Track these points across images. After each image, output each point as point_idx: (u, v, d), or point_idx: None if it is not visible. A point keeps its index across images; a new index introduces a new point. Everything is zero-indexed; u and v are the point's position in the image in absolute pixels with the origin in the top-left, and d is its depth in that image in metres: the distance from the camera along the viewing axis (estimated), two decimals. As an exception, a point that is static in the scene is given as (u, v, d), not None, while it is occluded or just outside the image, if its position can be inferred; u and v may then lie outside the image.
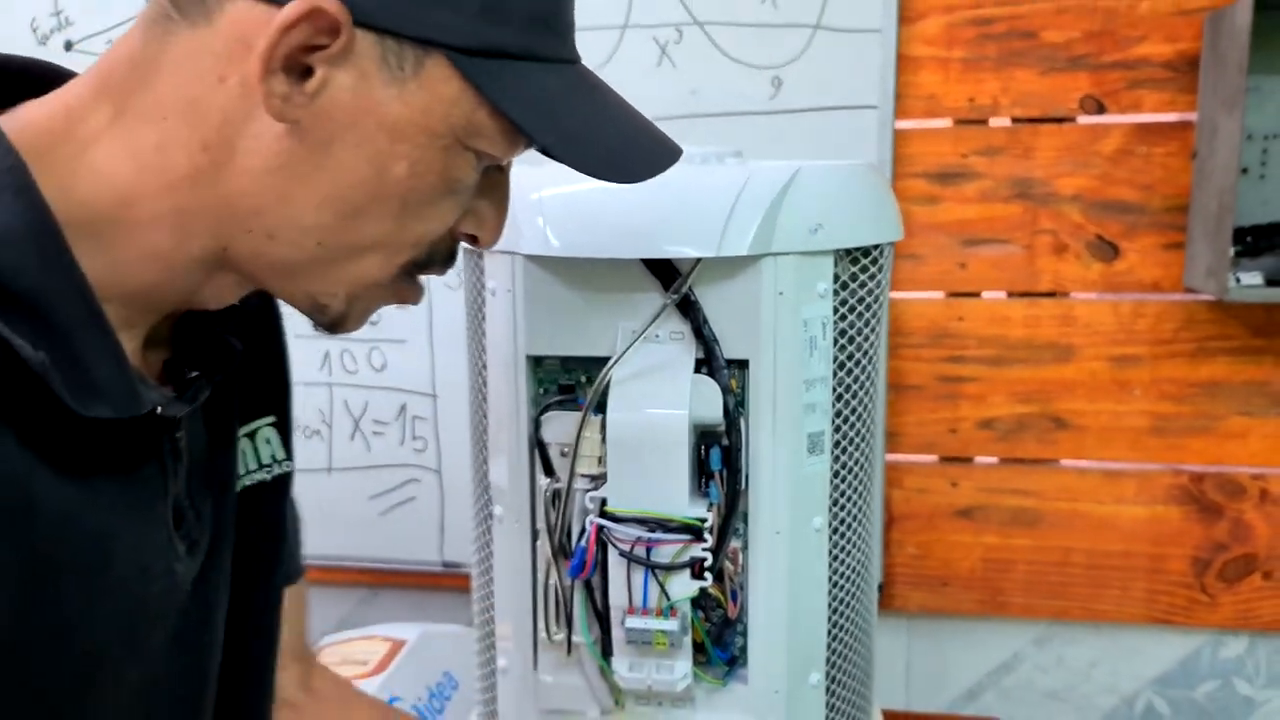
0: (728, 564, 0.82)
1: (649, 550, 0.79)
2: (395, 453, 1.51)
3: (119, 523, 0.52)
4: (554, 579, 0.84)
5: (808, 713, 0.85)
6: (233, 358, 0.59)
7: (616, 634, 0.81)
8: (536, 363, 0.84)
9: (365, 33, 0.48)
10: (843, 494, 0.85)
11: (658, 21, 1.36)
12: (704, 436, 0.80)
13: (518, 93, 0.51)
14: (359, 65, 0.49)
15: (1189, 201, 1.32)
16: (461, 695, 1.26)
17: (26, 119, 0.50)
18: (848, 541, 0.87)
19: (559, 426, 0.83)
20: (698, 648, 0.83)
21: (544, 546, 0.84)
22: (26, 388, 0.46)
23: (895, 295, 1.41)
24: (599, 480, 0.81)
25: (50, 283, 0.47)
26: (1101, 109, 1.34)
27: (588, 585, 0.83)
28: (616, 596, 0.81)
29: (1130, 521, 1.42)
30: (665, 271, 0.79)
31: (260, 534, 0.67)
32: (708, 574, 0.80)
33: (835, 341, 0.83)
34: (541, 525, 0.85)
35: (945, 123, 1.37)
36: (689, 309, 0.79)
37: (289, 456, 0.69)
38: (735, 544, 0.82)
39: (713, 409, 0.79)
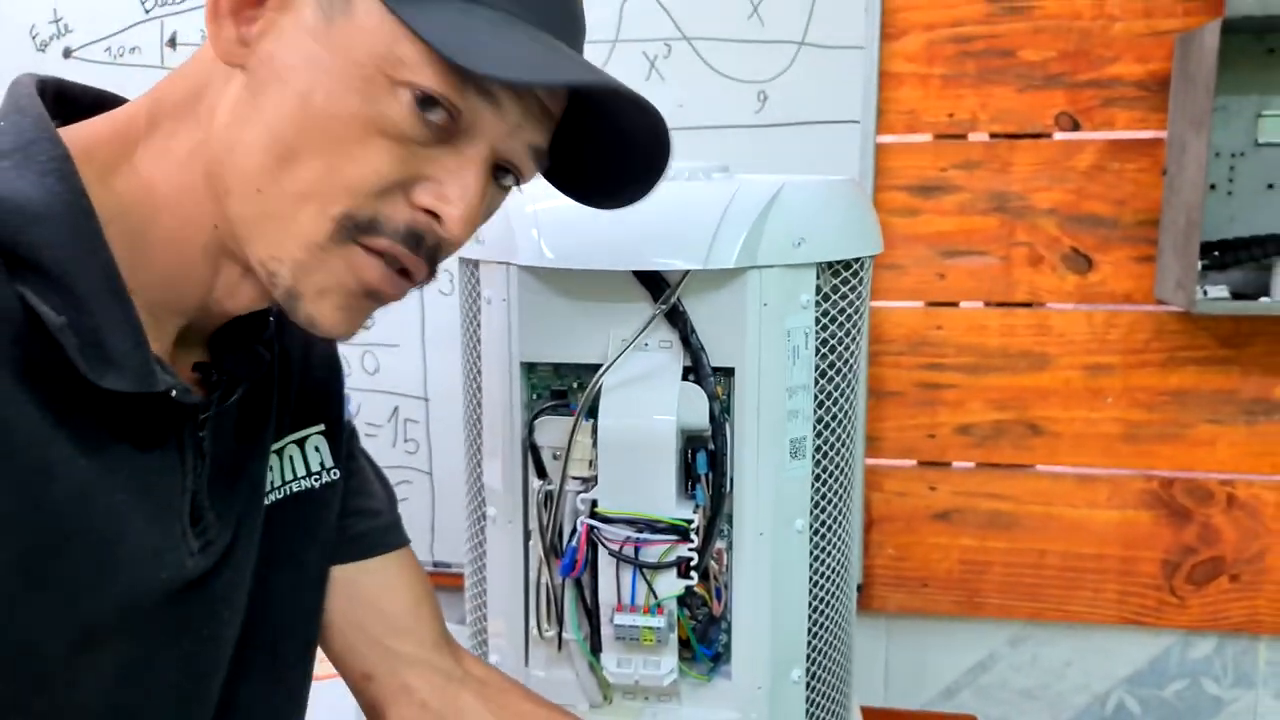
0: (713, 564, 0.85)
1: (637, 550, 0.82)
2: (387, 455, 1.53)
3: (132, 502, 0.53)
4: (545, 577, 0.86)
5: (789, 708, 0.88)
6: (259, 368, 0.61)
7: (606, 631, 0.84)
8: (530, 369, 0.87)
9: None
10: (824, 497, 0.88)
11: (647, 36, 1.40)
12: (691, 441, 0.83)
13: (437, 20, 0.50)
14: (297, 9, 0.52)
15: (1159, 216, 1.36)
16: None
17: (87, 128, 0.55)
18: (828, 543, 0.90)
19: (551, 431, 0.86)
20: (683, 644, 0.86)
21: (536, 546, 0.87)
22: (52, 358, 0.49)
23: (876, 304, 1.44)
24: (590, 482, 0.84)
25: (77, 257, 0.50)
26: (1076, 126, 1.38)
27: (578, 584, 0.85)
28: (606, 594, 0.83)
29: (1102, 525, 1.46)
30: (654, 283, 0.82)
31: (303, 539, 0.68)
32: (693, 573, 0.82)
33: (817, 350, 0.86)
34: (534, 526, 0.87)
35: (925, 137, 1.41)
36: (677, 319, 0.82)
37: (337, 464, 0.70)
38: (720, 544, 0.85)
39: (699, 415, 0.82)
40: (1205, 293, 1.27)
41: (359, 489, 0.74)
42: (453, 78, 0.51)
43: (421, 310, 1.49)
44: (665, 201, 0.83)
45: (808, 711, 0.89)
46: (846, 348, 0.88)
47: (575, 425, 0.83)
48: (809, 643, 0.89)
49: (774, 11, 1.37)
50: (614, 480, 0.82)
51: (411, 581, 0.75)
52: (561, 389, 0.87)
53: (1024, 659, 1.52)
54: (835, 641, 0.93)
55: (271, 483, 0.66)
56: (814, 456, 0.87)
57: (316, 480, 0.69)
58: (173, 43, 1.50)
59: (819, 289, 0.85)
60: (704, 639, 0.86)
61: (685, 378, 0.82)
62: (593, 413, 0.82)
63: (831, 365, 0.87)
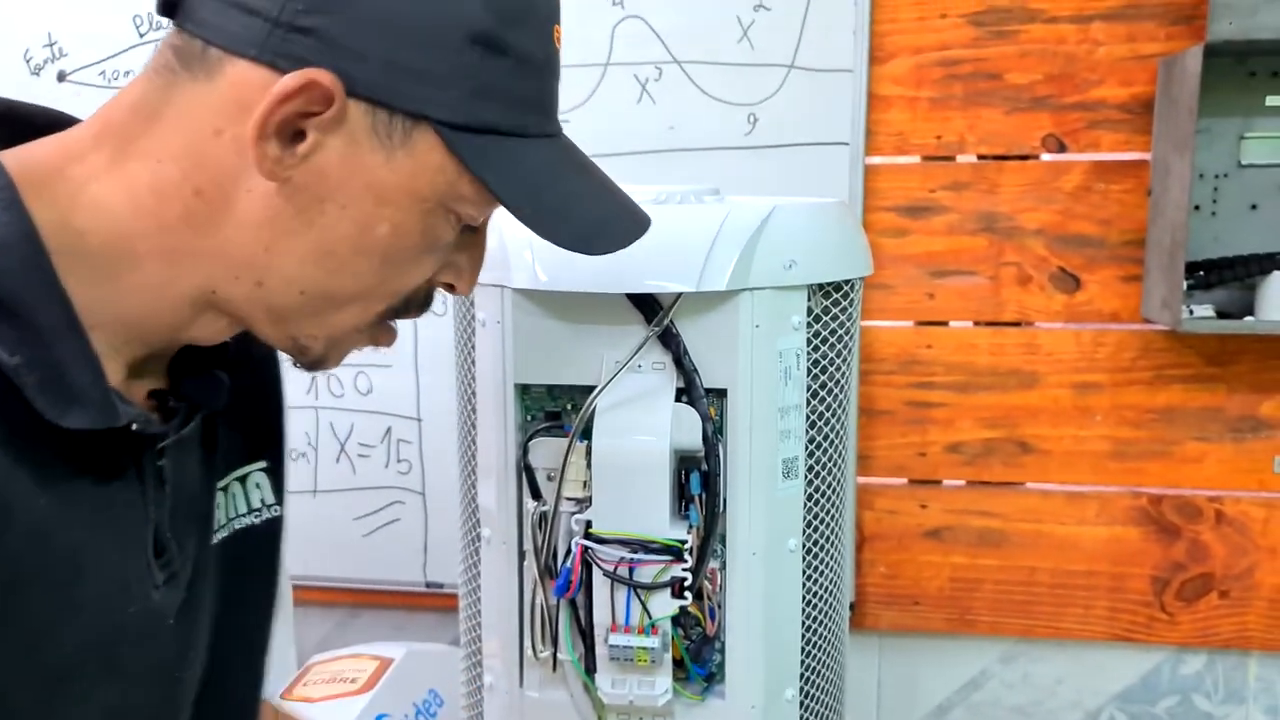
0: (706, 584, 0.85)
1: (631, 570, 0.82)
2: (380, 475, 1.53)
3: (94, 539, 0.52)
4: (540, 598, 0.87)
5: (782, 726, 0.88)
6: (221, 393, 0.60)
7: (600, 651, 0.85)
8: (524, 391, 0.88)
9: (358, 103, 0.51)
10: (816, 516, 0.89)
11: (639, 60, 1.41)
12: (684, 462, 0.84)
13: (500, 167, 0.54)
14: (350, 132, 0.51)
15: (1145, 236, 1.38)
16: (447, 712, 1.29)
17: (26, 154, 0.53)
18: (821, 562, 0.90)
19: (545, 452, 0.86)
20: (677, 664, 0.86)
21: (530, 567, 0.87)
22: (6, 395, 0.48)
23: (866, 324, 1.45)
24: (584, 503, 0.84)
25: (30, 291, 0.49)
26: (1062, 147, 1.40)
27: (572, 604, 0.86)
28: (600, 615, 0.84)
29: (1092, 542, 1.46)
30: (648, 305, 0.83)
31: (249, 578, 0.67)
32: (687, 593, 0.83)
33: (809, 371, 0.87)
34: (528, 546, 0.88)
35: (914, 159, 1.42)
36: (670, 341, 0.83)
37: (279, 502, 0.69)
38: (714, 564, 0.85)
39: (692, 436, 0.83)
40: (1191, 312, 1.28)
41: None
42: (496, 203, 0.56)
43: (415, 331, 1.50)
44: (658, 224, 0.84)
45: (801, 730, 0.89)
46: (838, 368, 0.89)
47: (569, 446, 0.83)
48: (802, 662, 0.89)
49: (764, 35, 1.38)
50: (608, 501, 0.83)
51: None
52: (555, 410, 0.87)
53: (1015, 676, 1.52)
54: (828, 660, 0.93)
55: (217, 520, 0.64)
56: (806, 476, 0.88)
57: (258, 517, 0.67)
58: (167, 66, 1.50)
59: (810, 310, 0.86)
60: (698, 659, 0.87)
61: (678, 399, 0.83)
62: (587, 434, 0.83)
63: (823, 385, 0.88)
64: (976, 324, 1.45)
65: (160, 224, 0.52)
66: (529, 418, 0.88)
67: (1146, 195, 1.38)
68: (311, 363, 0.59)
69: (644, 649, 0.82)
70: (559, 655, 0.87)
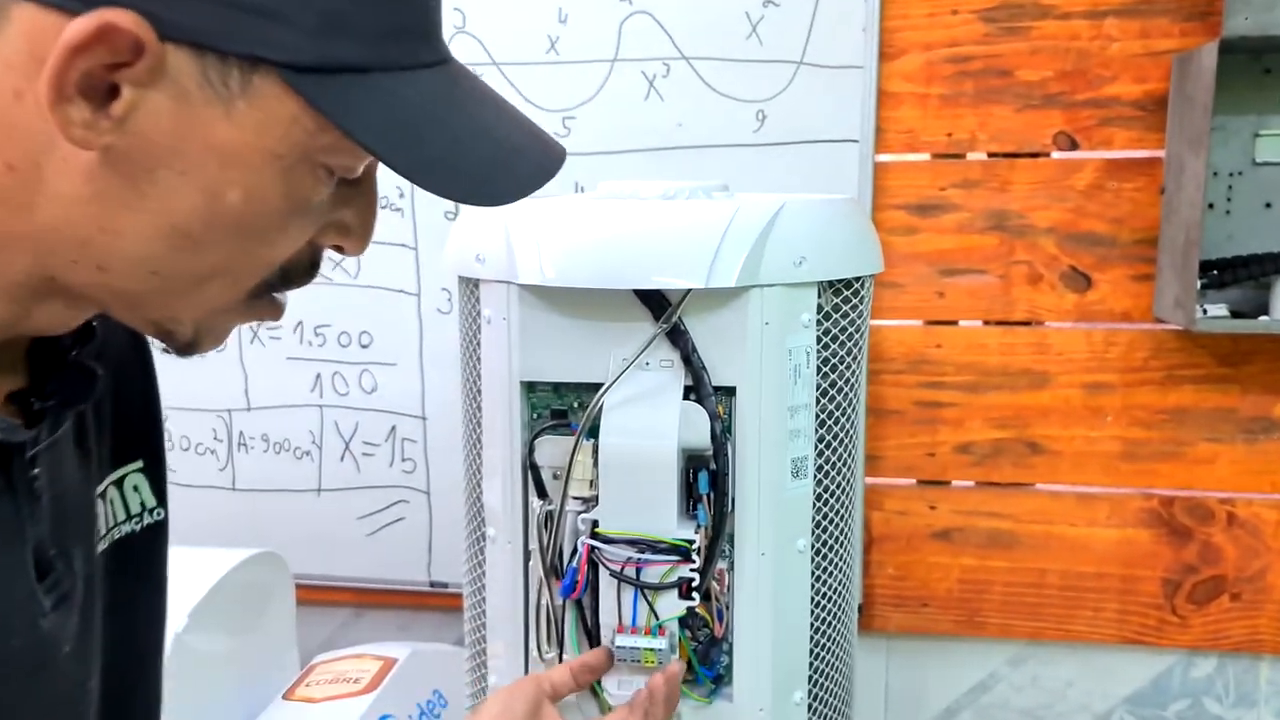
0: (714, 584, 0.84)
1: (638, 571, 0.81)
2: (384, 474, 1.53)
3: None
4: (545, 598, 0.86)
5: (791, 729, 0.87)
6: (93, 386, 0.53)
7: (606, 652, 0.84)
8: (530, 388, 0.87)
9: (178, 49, 0.42)
10: (825, 516, 0.88)
11: (646, 56, 1.40)
12: (692, 461, 0.83)
13: (365, 111, 0.45)
14: (175, 84, 0.43)
15: (1158, 235, 1.37)
16: (451, 713, 1.28)
17: None
18: (830, 563, 0.89)
19: (552, 450, 0.85)
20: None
21: (536, 567, 0.86)
22: None
23: (875, 323, 1.44)
24: (590, 503, 0.83)
25: None
26: (1074, 145, 1.38)
27: (578, 605, 0.85)
28: (607, 615, 0.83)
29: (1103, 544, 1.45)
30: (656, 302, 0.82)
31: (135, 592, 0.61)
32: (695, 594, 0.82)
33: (818, 369, 0.85)
34: (534, 546, 0.87)
35: (924, 157, 1.41)
36: (678, 338, 0.82)
37: (160, 504, 0.63)
38: (721, 565, 0.84)
39: (701, 434, 0.82)
40: (1205, 311, 1.27)
41: None
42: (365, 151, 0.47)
43: (420, 329, 1.49)
44: (666, 221, 0.83)
45: (810, 734, 0.88)
46: (848, 366, 0.88)
47: (576, 445, 0.83)
48: (811, 664, 0.88)
49: (773, 31, 1.37)
50: (615, 500, 0.82)
51: None
52: (562, 408, 0.87)
53: (1025, 679, 1.51)
54: (837, 663, 0.92)
55: (97, 530, 0.58)
56: (816, 476, 0.87)
57: (138, 523, 0.61)
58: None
59: (820, 308, 0.85)
60: (705, 661, 0.86)
61: (686, 397, 0.82)
62: (593, 432, 0.82)
63: (833, 384, 0.87)
64: (986, 323, 1.43)
65: None
66: (535, 415, 0.87)
67: (1159, 193, 1.36)
68: (182, 347, 0.51)
69: (651, 650, 0.81)
70: (564, 656, 0.86)
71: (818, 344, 0.85)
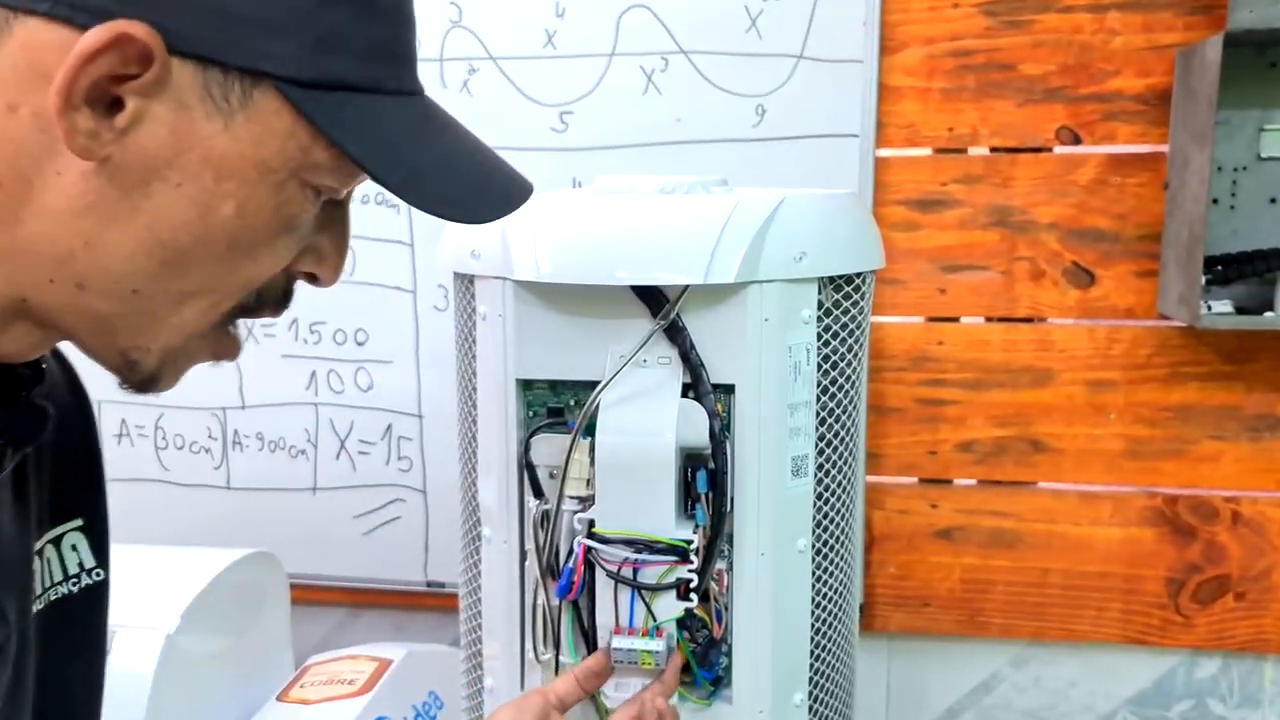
0: (713, 585, 0.83)
1: (636, 571, 0.80)
2: (380, 472, 1.51)
3: None
4: (542, 599, 0.85)
5: (791, 732, 0.86)
6: (44, 426, 0.52)
7: (603, 654, 0.83)
8: (526, 386, 0.86)
9: (184, 62, 0.43)
10: (826, 516, 0.87)
11: (645, 50, 1.39)
12: (690, 459, 0.82)
13: (358, 128, 0.46)
14: (177, 96, 0.44)
15: (1161, 230, 1.35)
16: (447, 715, 1.27)
17: None
18: (830, 563, 0.88)
19: (548, 449, 0.84)
20: (683, 668, 0.84)
21: (532, 567, 0.85)
22: None
23: (876, 319, 1.43)
24: (587, 502, 0.82)
25: None
26: (1077, 140, 1.37)
27: (575, 605, 0.84)
28: (603, 616, 0.82)
29: (1106, 543, 1.44)
30: (653, 298, 0.80)
31: (72, 656, 0.59)
32: (693, 595, 0.81)
33: (819, 367, 0.84)
34: (530, 546, 0.86)
35: (925, 151, 1.40)
36: (676, 335, 0.80)
37: (100, 565, 0.61)
38: (720, 565, 0.83)
39: (699, 433, 0.80)
40: (1209, 307, 1.26)
41: None
42: (360, 174, 0.49)
43: (416, 326, 1.48)
44: (664, 216, 0.82)
45: (810, 736, 0.87)
46: (848, 363, 0.87)
47: (572, 443, 0.81)
48: (811, 665, 0.87)
49: (772, 25, 1.36)
50: (612, 499, 0.81)
51: None
52: (558, 406, 0.85)
53: (1027, 680, 1.50)
54: (838, 664, 0.91)
55: (33, 588, 0.56)
56: (816, 474, 0.85)
57: (75, 584, 0.59)
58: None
59: (820, 304, 0.84)
60: (704, 662, 0.84)
61: (685, 395, 0.81)
62: (590, 430, 0.81)
63: (833, 381, 0.86)
64: (989, 320, 1.42)
65: None
66: (531, 414, 0.86)
67: (1163, 188, 1.35)
68: (141, 381, 0.50)
69: (648, 652, 0.80)
70: (561, 658, 0.85)
71: (818, 341, 0.84)
